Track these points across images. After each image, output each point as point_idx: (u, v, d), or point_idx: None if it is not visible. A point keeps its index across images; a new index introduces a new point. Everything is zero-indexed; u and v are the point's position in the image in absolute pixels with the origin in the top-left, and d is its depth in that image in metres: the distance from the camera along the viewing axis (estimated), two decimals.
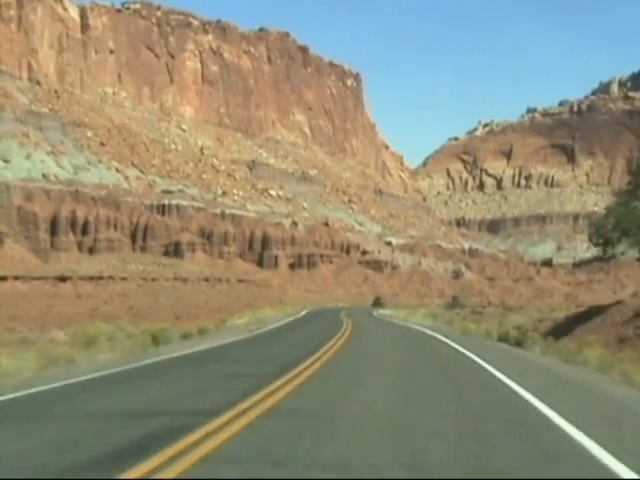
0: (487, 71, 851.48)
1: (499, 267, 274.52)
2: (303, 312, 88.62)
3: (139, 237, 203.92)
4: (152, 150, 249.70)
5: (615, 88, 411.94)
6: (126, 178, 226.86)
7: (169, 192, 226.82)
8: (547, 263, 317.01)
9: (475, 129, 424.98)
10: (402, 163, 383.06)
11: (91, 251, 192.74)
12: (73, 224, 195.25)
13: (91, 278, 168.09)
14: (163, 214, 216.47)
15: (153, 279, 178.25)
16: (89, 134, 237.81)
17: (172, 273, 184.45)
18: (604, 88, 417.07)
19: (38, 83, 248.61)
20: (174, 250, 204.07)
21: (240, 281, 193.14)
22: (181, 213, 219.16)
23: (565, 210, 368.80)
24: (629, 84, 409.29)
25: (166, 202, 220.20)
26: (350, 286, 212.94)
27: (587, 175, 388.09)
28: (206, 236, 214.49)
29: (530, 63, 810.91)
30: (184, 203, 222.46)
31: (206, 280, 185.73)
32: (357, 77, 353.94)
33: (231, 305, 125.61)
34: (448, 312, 75.73)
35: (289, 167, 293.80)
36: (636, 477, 8.23)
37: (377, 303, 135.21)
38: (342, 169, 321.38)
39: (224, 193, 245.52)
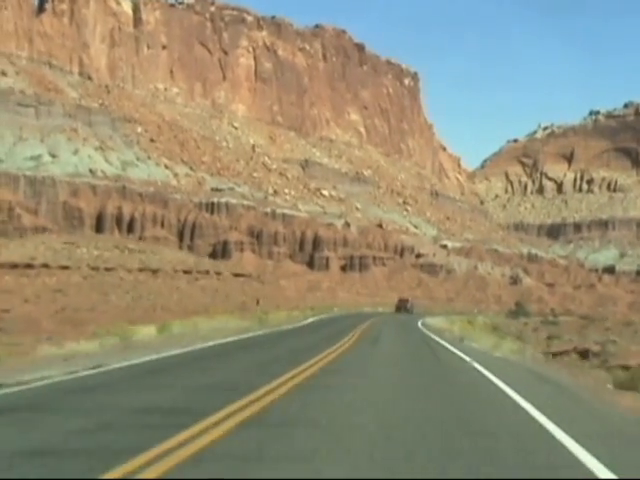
0: (548, 72, 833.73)
1: (559, 273, 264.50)
2: (305, 321, 62.90)
3: (186, 235, 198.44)
4: (202, 147, 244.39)
5: None
6: (175, 175, 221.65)
7: (218, 190, 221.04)
8: (609, 270, 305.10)
9: (535, 131, 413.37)
10: (459, 165, 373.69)
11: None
12: (119, 221, 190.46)
13: (15, 266, 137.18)
14: (212, 212, 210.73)
15: (108, 269, 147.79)
16: (139, 130, 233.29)
17: (138, 262, 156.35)
18: None
19: (89, 78, 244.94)
20: (222, 249, 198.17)
21: (236, 275, 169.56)
22: (230, 212, 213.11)
23: (628, 215, 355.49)
24: None
25: (215, 200, 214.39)
26: (403, 290, 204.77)
27: None
28: (255, 236, 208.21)
29: (593, 64, 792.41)
30: (233, 201, 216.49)
31: (187, 273, 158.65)
32: (415, 76, 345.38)
33: (214, 306, 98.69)
34: (512, 321, 66.53)
35: (343, 167, 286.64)
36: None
37: (402, 307, 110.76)
38: (397, 170, 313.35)
39: (275, 192, 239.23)
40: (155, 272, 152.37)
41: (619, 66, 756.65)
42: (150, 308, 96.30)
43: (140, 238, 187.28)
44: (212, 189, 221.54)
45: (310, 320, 64.48)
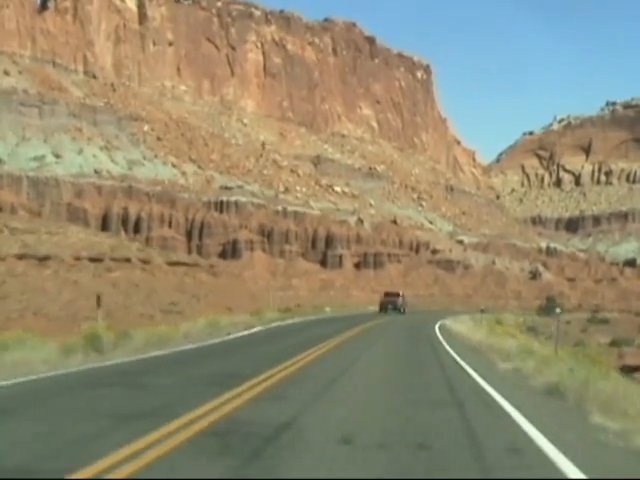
0: (563, 63, 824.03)
1: (579, 267, 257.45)
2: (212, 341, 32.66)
3: (195, 235, 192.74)
4: (211, 145, 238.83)
5: None
6: (183, 174, 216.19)
7: (228, 188, 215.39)
8: (630, 263, 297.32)
9: (551, 124, 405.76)
10: (474, 159, 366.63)
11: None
12: (125, 221, 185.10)
13: None
14: (221, 211, 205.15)
15: None
16: (145, 128, 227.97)
17: (20, 246, 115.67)
18: None
19: (94, 76, 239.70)
20: (231, 249, 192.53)
21: (173, 265, 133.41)
22: (240, 210, 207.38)
23: None
24: None
25: (224, 199, 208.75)
26: (419, 287, 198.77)
27: None
28: (266, 234, 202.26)
29: (605, 55, 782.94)
30: (243, 200, 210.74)
31: (96, 261, 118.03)
32: (427, 69, 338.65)
33: (122, 308, 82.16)
34: (545, 319, 58.48)
35: (355, 163, 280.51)
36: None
37: (389, 305, 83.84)
38: (411, 165, 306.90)
39: (286, 189, 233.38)
40: (43, 260, 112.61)
41: (635, 55, 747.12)
42: (15, 314, 74.18)
43: (147, 239, 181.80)
44: (221, 187, 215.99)
45: (233, 336, 35.98)
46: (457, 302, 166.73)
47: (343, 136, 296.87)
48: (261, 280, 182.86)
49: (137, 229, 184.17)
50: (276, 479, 8.17)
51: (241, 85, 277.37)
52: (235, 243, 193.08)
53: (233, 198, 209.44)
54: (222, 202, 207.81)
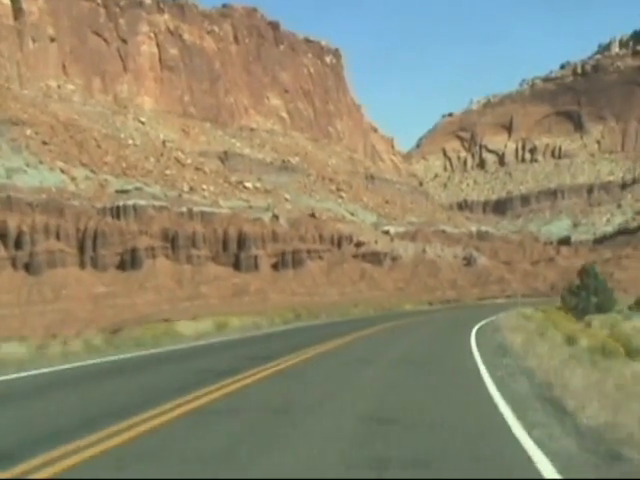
0: (477, 41, 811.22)
1: (514, 250, 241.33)
2: None
3: (88, 246, 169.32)
4: (105, 147, 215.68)
5: (616, 49, 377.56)
6: (73, 179, 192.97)
7: (124, 192, 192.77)
8: (565, 241, 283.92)
9: (470, 103, 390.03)
10: (393, 146, 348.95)
11: (28, 267, 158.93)
12: (3, 236, 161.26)
13: None
14: (118, 217, 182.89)
15: None
16: (28, 132, 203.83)
17: None
18: (604, 51, 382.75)
19: None
20: (130, 258, 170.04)
21: None
22: (139, 215, 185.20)
23: (577, 182, 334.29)
24: (631, 44, 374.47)
25: (121, 203, 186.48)
26: (345, 284, 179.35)
27: (598, 142, 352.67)
28: (170, 239, 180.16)
29: (521, 30, 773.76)
30: (142, 203, 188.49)
31: None
32: (336, 53, 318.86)
33: None
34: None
35: (267, 156, 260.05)
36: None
37: None
38: (327, 155, 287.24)
39: (191, 189, 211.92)
40: None
41: (552, 27, 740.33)
42: None
43: (31, 254, 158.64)
44: (117, 191, 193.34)
45: None
46: (387, 298, 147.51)
47: (252, 129, 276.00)
48: (165, 290, 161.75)
49: (18, 244, 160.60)
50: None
51: (136, 81, 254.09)
52: (134, 251, 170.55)
53: (130, 202, 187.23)
54: (118, 207, 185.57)
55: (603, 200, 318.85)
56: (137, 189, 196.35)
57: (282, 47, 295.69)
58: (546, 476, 8.50)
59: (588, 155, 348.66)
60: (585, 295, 69.77)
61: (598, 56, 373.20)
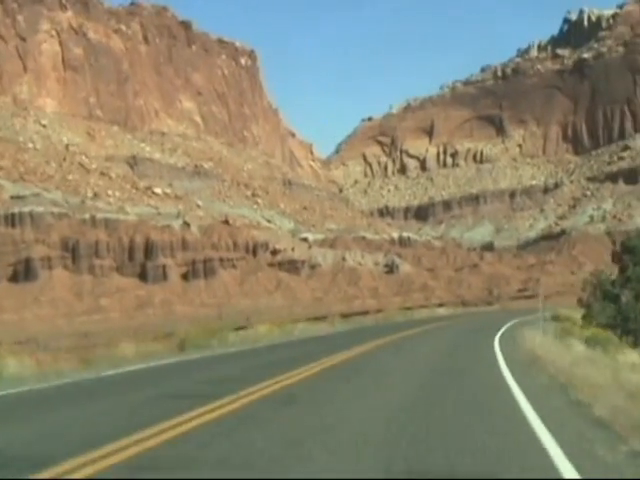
0: (398, 43, 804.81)
1: (436, 256, 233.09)
2: None
3: None
4: (0, 150, 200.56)
5: (535, 54, 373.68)
6: None
7: (20, 197, 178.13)
8: (488, 247, 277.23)
9: (390, 107, 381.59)
10: (312, 152, 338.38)
11: None
12: None
13: None
14: (13, 225, 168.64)
15: None
16: None
17: None
18: (523, 55, 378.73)
19: None
20: (24, 269, 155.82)
21: None
22: (36, 222, 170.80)
23: (499, 187, 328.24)
24: (549, 48, 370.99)
25: (16, 210, 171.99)
26: (260, 294, 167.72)
27: (519, 146, 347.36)
28: (70, 248, 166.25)
29: (440, 33, 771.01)
30: (40, 209, 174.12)
31: None
32: (252, 55, 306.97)
33: None
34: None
35: (179, 161, 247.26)
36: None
37: None
38: (243, 160, 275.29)
39: (95, 195, 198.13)
40: None
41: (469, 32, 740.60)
42: None
43: None
44: (12, 197, 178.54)
45: None
46: (303, 307, 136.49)
47: (163, 134, 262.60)
48: (62, 304, 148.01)
49: None
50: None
51: (37, 81, 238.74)
52: (28, 262, 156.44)
53: (27, 209, 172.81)
54: (13, 215, 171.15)
55: (526, 205, 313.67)
56: (35, 195, 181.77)
57: (194, 48, 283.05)
58: None
59: (510, 159, 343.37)
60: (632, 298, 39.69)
61: (518, 59, 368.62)
